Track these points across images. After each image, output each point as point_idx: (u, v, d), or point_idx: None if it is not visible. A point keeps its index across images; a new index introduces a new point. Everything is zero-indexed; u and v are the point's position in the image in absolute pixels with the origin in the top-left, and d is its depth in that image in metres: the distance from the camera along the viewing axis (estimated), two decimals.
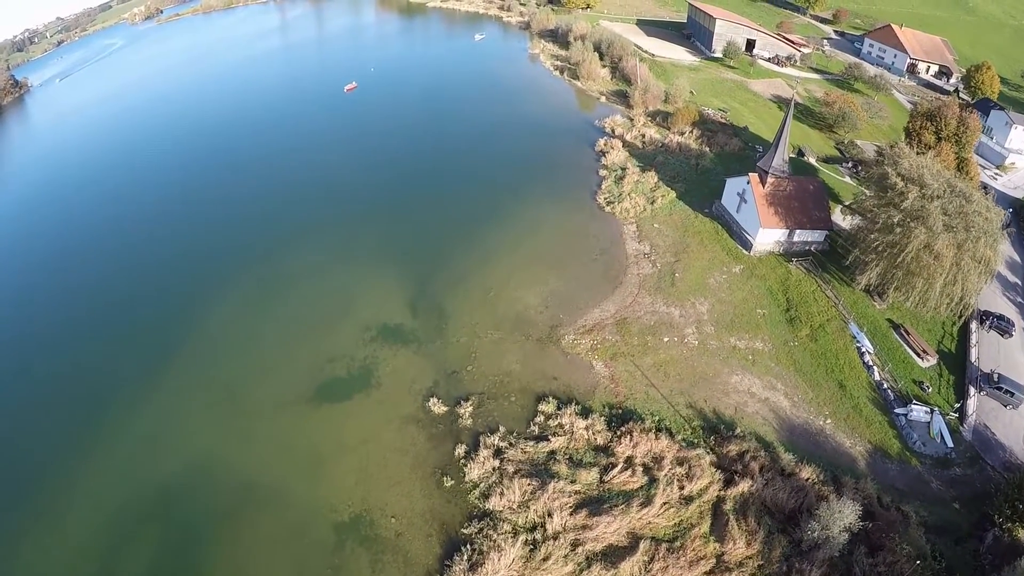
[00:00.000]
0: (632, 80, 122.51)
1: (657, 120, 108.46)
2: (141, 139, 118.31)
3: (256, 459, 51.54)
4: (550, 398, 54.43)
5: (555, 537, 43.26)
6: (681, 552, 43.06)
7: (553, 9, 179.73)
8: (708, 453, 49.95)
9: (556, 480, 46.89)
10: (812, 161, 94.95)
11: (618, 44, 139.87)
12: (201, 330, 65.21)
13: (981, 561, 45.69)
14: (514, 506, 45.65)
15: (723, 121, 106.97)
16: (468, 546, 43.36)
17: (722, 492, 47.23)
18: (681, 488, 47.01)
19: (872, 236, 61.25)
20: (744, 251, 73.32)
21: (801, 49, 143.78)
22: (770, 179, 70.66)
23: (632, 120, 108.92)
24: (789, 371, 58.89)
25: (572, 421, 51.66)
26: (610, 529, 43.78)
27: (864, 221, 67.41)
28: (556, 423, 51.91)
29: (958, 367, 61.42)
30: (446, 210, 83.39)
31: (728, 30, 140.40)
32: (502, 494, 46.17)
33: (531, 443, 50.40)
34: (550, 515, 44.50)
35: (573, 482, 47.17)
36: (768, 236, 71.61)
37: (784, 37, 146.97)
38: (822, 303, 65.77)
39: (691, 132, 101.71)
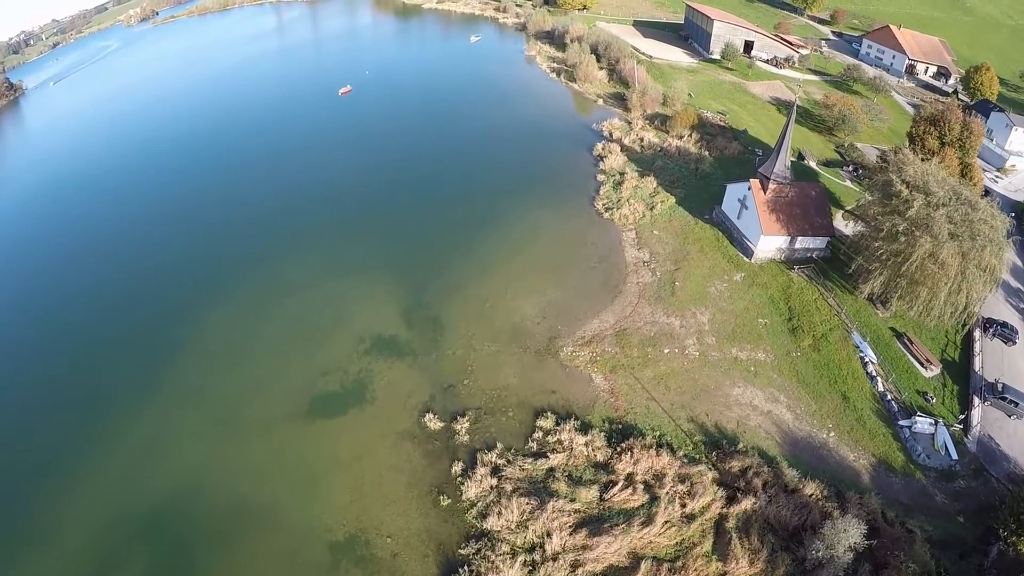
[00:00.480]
0: (630, 82, 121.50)
1: (655, 123, 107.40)
2: (135, 144, 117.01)
3: (249, 476, 50.60)
4: (548, 413, 53.40)
5: (554, 558, 42.41)
6: (683, 572, 42.38)
7: (549, 10, 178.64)
8: (710, 469, 48.99)
9: (555, 499, 45.99)
10: (812, 165, 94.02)
11: (615, 46, 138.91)
12: (194, 340, 64.18)
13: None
14: (512, 526, 44.72)
15: (722, 124, 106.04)
16: (465, 567, 42.55)
17: (724, 510, 46.41)
18: (683, 506, 46.13)
19: (876, 244, 60.26)
20: (745, 258, 72.32)
21: (799, 50, 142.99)
22: (772, 185, 69.68)
23: (630, 123, 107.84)
24: (792, 382, 57.94)
25: (571, 437, 50.67)
26: (610, 549, 42.93)
27: (867, 227, 66.46)
28: (555, 439, 50.89)
29: (962, 376, 60.52)
30: (441, 216, 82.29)
31: (726, 31, 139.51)
32: (500, 513, 45.25)
33: (529, 460, 49.39)
34: (549, 535, 43.64)
35: (573, 501, 46.24)
36: (770, 243, 70.64)
37: (782, 38, 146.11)
38: (824, 312, 64.80)
39: (690, 136, 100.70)
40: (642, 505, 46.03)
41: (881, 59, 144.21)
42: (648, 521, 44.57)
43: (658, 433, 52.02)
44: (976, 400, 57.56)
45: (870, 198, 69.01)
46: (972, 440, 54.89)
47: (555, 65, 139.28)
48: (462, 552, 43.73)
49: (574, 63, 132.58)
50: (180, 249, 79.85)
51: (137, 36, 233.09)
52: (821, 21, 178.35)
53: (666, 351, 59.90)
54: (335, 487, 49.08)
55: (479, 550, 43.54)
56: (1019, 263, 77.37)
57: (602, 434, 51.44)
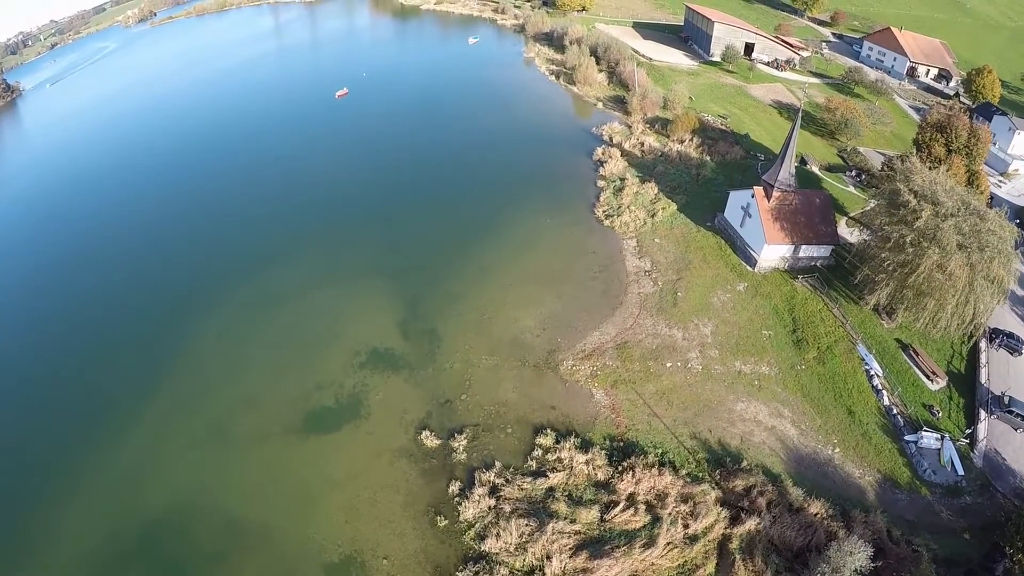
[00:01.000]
0: (630, 85, 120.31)
1: (656, 127, 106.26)
2: (130, 148, 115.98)
3: (243, 493, 49.72)
4: (548, 430, 52.24)
5: None
6: None
7: (548, 12, 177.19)
8: (713, 488, 47.90)
9: (555, 520, 44.94)
10: (815, 170, 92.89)
11: (615, 48, 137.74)
12: (188, 350, 63.26)
13: None
14: (511, 548, 43.73)
15: (723, 128, 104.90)
16: None
17: (728, 530, 45.40)
18: (685, 527, 45.12)
19: (883, 255, 59.07)
20: (748, 267, 71.15)
21: (800, 52, 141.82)
22: (776, 193, 68.50)
23: (630, 127, 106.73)
24: (796, 397, 56.82)
25: (571, 455, 49.57)
26: (611, 572, 42.03)
27: (872, 235, 65.35)
28: (555, 457, 49.77)
29: (968, 388, 59.43)
30: (439, 223, 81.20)
31: (727, 33, 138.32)
32: (498, 535, 44.25)
33: (528, 479, 48.29)
34: (549, 558, 42.63)
35: (573, 522, 45.19)
36: (773, 252, 69.51)
37: (783, 40, 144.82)
38: (829, 323, 63.65)
39: (691, 140, 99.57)
40: (644, 526, 44.95)
41: (882, 61, 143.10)
42: (650, 543, 43.52)
43: (660, 451, 50.91)
44: (982, 413, 56.53)
45: (875, 204, 67.87)
46: (978, 455, 53.87)
47: (554, 67, 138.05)
48: (459, 575, 42.62)
49: (573, 65, 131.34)
50: (173, 256, 78.95)
51: (135, 37, 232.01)
52: (821, 23, 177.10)
53: (668, 365, 58.77)
54: (330, 505, 48.12)
55: (477, 573, 42.56)
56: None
57: (603, 452, 50.33)
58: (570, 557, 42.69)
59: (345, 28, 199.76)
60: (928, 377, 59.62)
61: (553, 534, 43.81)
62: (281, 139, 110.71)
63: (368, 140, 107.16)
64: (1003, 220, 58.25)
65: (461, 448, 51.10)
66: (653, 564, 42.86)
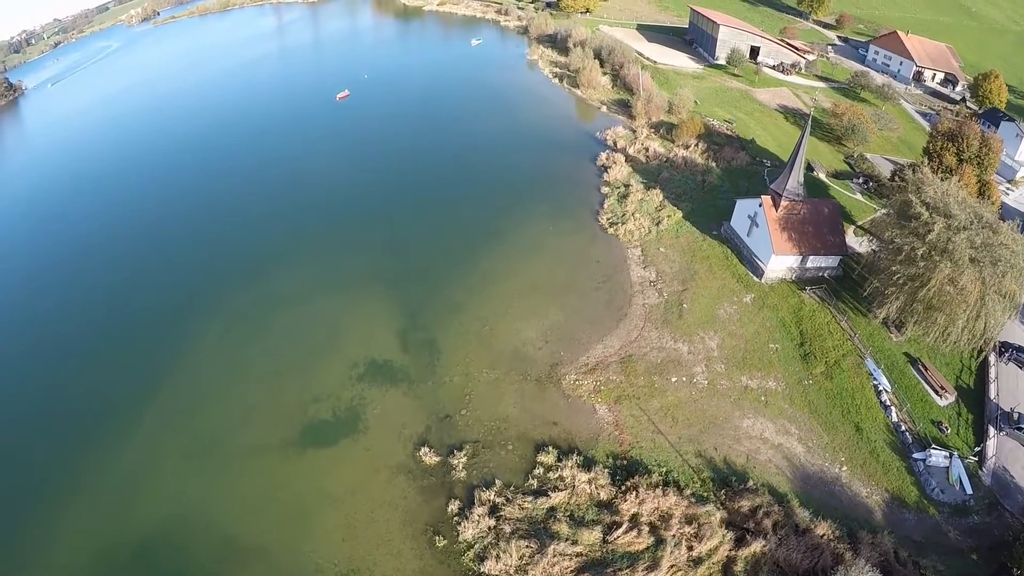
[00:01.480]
0: (634, 89, 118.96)
1: (661, 132, 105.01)
2: (130, 149, 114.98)
3: (238, 509, 48.71)
4: (550, 447, 51.02)
5: None
6: None
7: (552, 13, 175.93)
8: (719, 509, 46.76)
9: (556, 541, 43.84)
10: (822, 177, 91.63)
11: (619, 51, 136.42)
12: (183, 360, 62.23)
13: None
14: (511, 570, 42.65)
15: (729, 133, 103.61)
16: None
17: (733, 552, 44.32)
18: (690, 549, 44.09)
19: (894, 268, 57.82)
20: (755, 278, 69.84)
21: (806, 56, 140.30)
22: (784, 202, 67.24)
23: (635, 132, 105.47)
24: (803, 413, 55.62)
25: (573, 474, 48.36)
26: None
27: (881, 246, 64.16)
28: (556, 476, 48.59)
29: (977, 404, 58.28)
30: (440, 228, 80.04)
31: (732, 36, 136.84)
32: (498, 557, 43.12)
33: (529, 499, 47.10)
34: None
35: (574, 543, 44.08)
36: (781, 263, 68.24)
37: (788, 44, 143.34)
38: (837, 336, 62.42)
39: (696, 145, 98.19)
40: (647, 548, 43.89)
41: (888, 65, 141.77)
42: (653, 565, 42.49)
43: (664, 470, 49.73)
44: (991, 430, 55.42)
45: (884, 213, 66.62)
46: (987, 472, 52.81)
47: (557, 70, 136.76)
48: None
49: (577, 68, 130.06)
50: (174, 256, 78.36)
51: (138, 36, 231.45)
52: (826, 26, 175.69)
53: (673, 380, 57.55)
54: (327, 523, 47.09)
55: None
56: None
57: (606, 471, 49.12)
58: None
59: (347, 29, 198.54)
60: (937, 392, 58.46)
61: (554, 556, 42.73)
62: (282, 140, 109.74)
63: (368, 143, 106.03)
64: (1016, 233, 57.01)
65: (460, 465, 49.92)
66: None
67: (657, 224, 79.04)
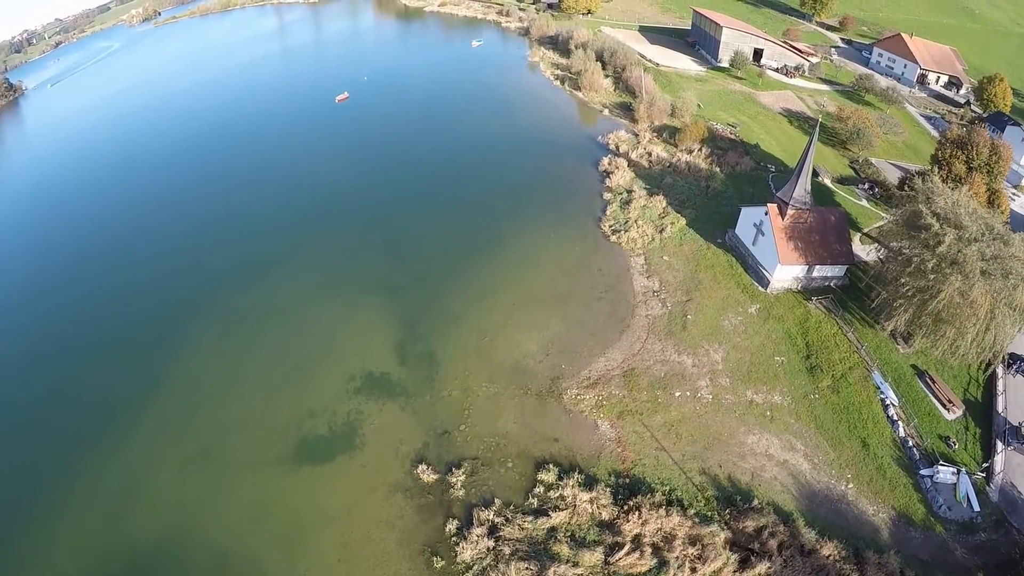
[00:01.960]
0: (637, 92, 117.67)
1: (664, 136, 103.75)
2: (131, 149, 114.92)
3: (233, 524, 47.87)
4: (551, 465, 49.86)
5: None
6: None
7: (553, 15, 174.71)
8: (723, 530, 45.68)
9: (557, 563, 42.84)
10: (827, 182, 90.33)
11: (621, 53, 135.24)
12: (181, 362, 61.70)
13: None
14: None
15: (733, 137, 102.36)
16: None
17: (737, 574, 43.15)
18: (693, 571, 43.15)
19: (902, 280, 56.60)
20: (760, 288, 68.59)
21: (809, 59, 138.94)
22: (790, 211, 66.00)
23: (637, 136, 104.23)
24: (809, 428, 54.47)
25: (575, 493, 47.29)
26: None
27: (888, 254, 62.91)
28: (557, 495, 47.49)
29: (985, 418, 57.08)
30: (439, 233, 79.04)
31: (735, 39, 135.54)
32: None
33: (529, 518, 46.02)
34: None
35: (575, 565, 43.12)
36: (787, 272, 67.04)
37: (792, 46, 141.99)
38: (843, 348, 61.19)
39: (700, 150, 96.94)
40: (650, 570, 42.95)
41: (892, 68, 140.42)
42: None
43: (668, 488, 48.62)
44: (999, 445, 54.29)
45: (892, 222, 65.36)
46: (994, 488, 51.70)
47: (559, 72, 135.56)
48: None
49: (579, 70, 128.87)
50: (175, 257, 78.11)
51: (138, 37, 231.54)
52: (830, 28, 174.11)
53: (677, 394, 56.37)
54: (322, 542, 46.15)
55: None
56: None
57: (608, 489, 48.00)
58: None
59: (348, 29, 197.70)
60: (944, 406, 57.28)
61: None
62: (282, 141, 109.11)
63: (367, 146, 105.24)
64: None
65: (459, 483, 48.85)
66: None
67: (660, 232, 77.80)
